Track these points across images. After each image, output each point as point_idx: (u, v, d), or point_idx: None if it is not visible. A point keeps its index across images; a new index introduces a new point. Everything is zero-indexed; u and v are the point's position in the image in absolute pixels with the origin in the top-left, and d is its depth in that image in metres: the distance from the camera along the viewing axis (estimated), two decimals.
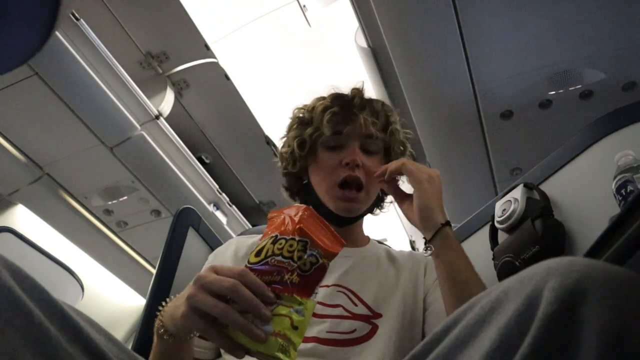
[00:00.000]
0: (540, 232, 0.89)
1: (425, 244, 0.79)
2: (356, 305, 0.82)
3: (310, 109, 0.98)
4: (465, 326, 0.46)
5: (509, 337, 0.41)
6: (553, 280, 0.40)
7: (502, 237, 1.02)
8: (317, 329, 0.76)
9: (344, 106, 0.94)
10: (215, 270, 0.56)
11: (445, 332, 0.49)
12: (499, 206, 1.03)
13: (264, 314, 0.52)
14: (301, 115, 0.99)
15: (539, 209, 0.93)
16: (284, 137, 1.03)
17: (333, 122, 0.92)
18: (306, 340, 0.74)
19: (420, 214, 0.78)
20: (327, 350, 0.74)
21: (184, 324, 0.56)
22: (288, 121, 1.03)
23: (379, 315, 0.81)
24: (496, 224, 1.02)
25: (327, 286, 0.83)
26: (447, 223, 0.78)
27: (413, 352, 0.54)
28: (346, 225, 0.95)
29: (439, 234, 0.77)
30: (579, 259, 0.42)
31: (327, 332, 0.76)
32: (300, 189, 1.00)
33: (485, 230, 1.07)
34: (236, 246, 0.94)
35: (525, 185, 1.01)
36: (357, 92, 0.97)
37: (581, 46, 1.84)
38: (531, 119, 2.14)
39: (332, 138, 0.93)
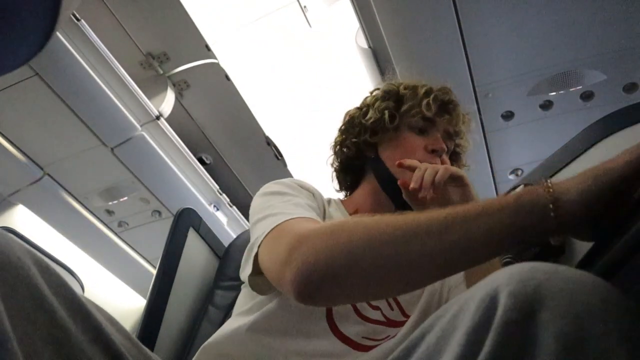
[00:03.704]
0: None
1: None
2: (392, 309, 0.80)
3: (402, 87, 0.96)
4: (439, 332, 0.46)
5: (474, 341, 0.41)
6: (513, 286, 0.41)
7: None
8: (354, 330, 0.74)
9: (446, 96, 0.94)
10: None
11: (421, 338, 0.49)
12: None
13: None
14: (393, 91, 0.97)
15: None
16: (359, 109, 0.99)
17: (434, 106, 0.91)
18: (342, 338, 0.73)
19: None
20: (358, 354, 0.73)
21: None
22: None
23: (408, 316, 0.81)
24: None
25: None
26: None
27: (392, 357, 0.54)
28: (405, 210, 0.91)
29: None
30: (541, 265, 0.43)
31: (362, 337, 0.74)
32: (361, 163, 0.97)
33: None
34: (311, 184, 0.89)
35: (526, 186, 1.00)
36: (450, 90, 0.96)
37: (582, 47, 1.84)
38: (532, 120, 2.14)
39: (423, 122, 0.92)
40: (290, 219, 0.64)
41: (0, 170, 2.29)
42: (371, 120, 0.94)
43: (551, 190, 0.50)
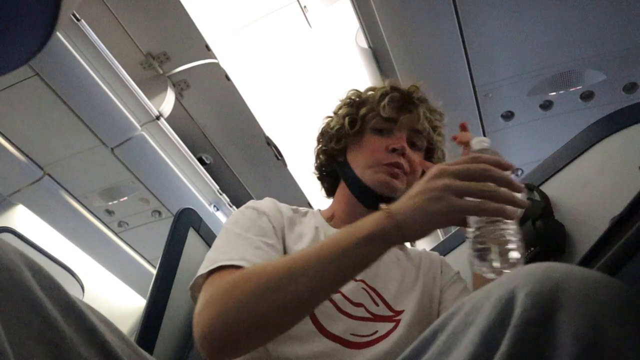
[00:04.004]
0: (540, 233, 0.89)
1: None
2: (377, 305, 0.81)
3: (367, 91, 0.99)
4: (452, 331, 0.47)
5: (490, 341, 0.41)
6: (530, 286, 0.41)
7: None
8: (341, 328, 0.75)
9: (405, 95, 0.95)
10: (448, 164, 0.59)
11: (433, 337, 0.49)
12: None
13: (517, 185, 0.57)
14: (356, 96, 1.00)
15: (540, 209, 0.93)
16: (329, 117, 1.03)
17: (391, 106, 0.93)
18: (331, 336, 0.74)
19: None
20: (351, 352, 0.74)
21: (455, 209, 0.57)
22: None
23: (399, 312, 0.81)
24: None
25: (355, 280, 0.81)
26: None
27: (402, 356, 0.54)
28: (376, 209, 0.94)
29: None
30: (557, 265, 0.43)
31: (350, 334, 0.76)
32: (333, 168, 1.01)
33: None
34: (274, 203, 0.92)
35: (526, 186, 1.01)
36: (417, 89, 0.98)
37: (582, 47, 1.84)
38: (532, 120, 2.14)
39: (384, 122, 0.93)
40: (218, 266, 0.71)
41: (0, 170, 2.29)
42: (336, 128, 0.97)
43: (390, 213, 0.60)
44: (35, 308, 0.46)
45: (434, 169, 0.59)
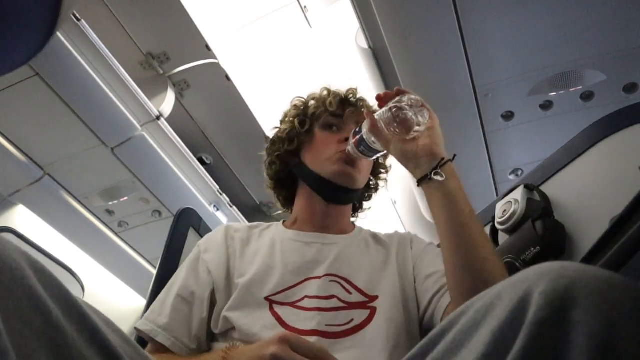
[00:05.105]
0: (540, 233, 0.89)
1: (430, 173, 0.75)
2: (350, 293, 0.82)
3: (311, 96, 1.05)
4: (460, 330, 0.47)
5: (501, 340, 0.41)
6: (544, 285, 0.41)
7: (502, 238, 1.02)
8: (315, 322, 0.76)
9: (347, 93, 1.02)
10: (291, 344, 0.61)
11: (441, 335, 0.49)
12: (499, 207, 1.03)
13: None
14: (300, 101, 1.06)
15: (540, 210, 0.93)
16: (276, 127, 1.07)
17: (336, 102, 0.99)
18: (307, 333, 0.74)
19: (433, 140, 0.78)
20: (330, 342, 0.74)
21: None
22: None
23: (374, 298, 0.82)
24: (497, 225, 1.02)
25: (319, 277, 0.82)
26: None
27: (409, 355, 0.54)
28: (337, 204, 0.97)
29: (447, 165, 0.76)
30: (570, 264, 0.43)
31: (326, 325, 0.76)
32: (289, 173, 1.03)
33: (486, 231, 1.07)
34: (225, 231, 0.95)
35: (526, 186, 1.01)
36: (354, 90, 1.04)
37: (582, 47, 1.84)
38: (532, 120, 2.15)
39: (331, 119, 0.99)
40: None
41: (1, 170, 2.29)
42: (287, 131, 1.02)
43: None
44: (37, 307, 0.46)
45: (278, 339, 0.62)
